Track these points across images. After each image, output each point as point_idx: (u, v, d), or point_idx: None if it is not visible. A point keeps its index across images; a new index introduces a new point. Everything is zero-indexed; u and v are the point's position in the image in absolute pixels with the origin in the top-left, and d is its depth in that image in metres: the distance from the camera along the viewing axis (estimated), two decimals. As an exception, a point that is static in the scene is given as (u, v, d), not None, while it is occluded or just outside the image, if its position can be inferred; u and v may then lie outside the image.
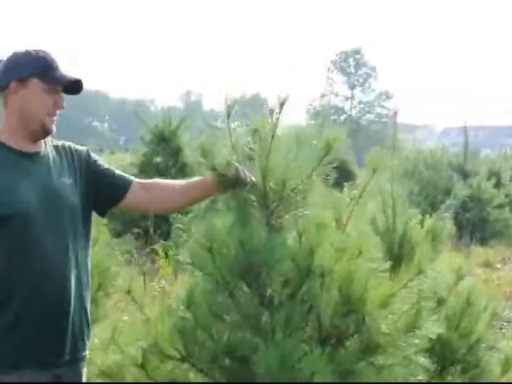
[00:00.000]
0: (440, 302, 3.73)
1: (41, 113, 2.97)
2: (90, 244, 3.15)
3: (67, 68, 3.04)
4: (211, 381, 2.96)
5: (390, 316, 2.87)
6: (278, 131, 3.06)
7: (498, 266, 12.19)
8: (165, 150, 12.49)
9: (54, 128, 3.02)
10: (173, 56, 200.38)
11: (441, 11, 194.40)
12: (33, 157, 2.99)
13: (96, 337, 3.16)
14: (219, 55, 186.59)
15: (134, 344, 3.01)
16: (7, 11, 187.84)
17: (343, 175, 15.78)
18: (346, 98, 78.71)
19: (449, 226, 4.37)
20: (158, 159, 12.41)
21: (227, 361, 2.94)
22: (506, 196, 17.43)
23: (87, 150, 3.19)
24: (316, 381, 2.66)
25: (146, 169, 12.14)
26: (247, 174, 3.07)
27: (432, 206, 12.86)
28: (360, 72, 79.08)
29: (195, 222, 3.27)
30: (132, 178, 3.25)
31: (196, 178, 3.26)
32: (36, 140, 3.01)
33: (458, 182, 17.38)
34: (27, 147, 2.99)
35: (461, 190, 16.64)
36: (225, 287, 2.95)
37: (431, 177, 17.74)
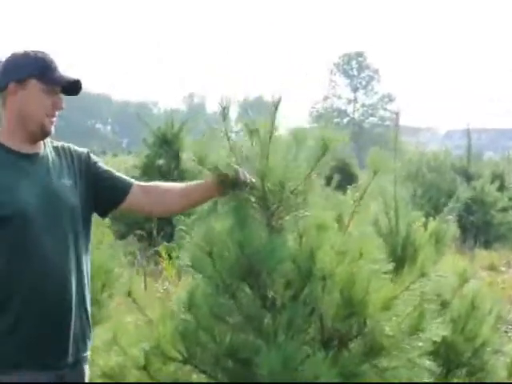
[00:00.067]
0: (444, 304, 3.73)
1: (39, 114, 2.95)
2: (90, 245, 3.13)
3: (67, 70, 3.03)
4: (215, 381, 2.95)
5: (394, 318, 2.86)
6: (277, 132, 3.06)
7: (503, 269, 12.15)
8: (167, 153, 12.48)
9: (52, 129, 3.01)
10: (173, 56, 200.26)
11: (442, 14, 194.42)
12: (32, 158, 2.98)
13: (99, 338, 3.15)
14: (219, 55, 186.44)
15: (136, 346, 3.00)
16: (6, 12, 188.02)
17: (346, 178, 15.75)
18: (349, 101, 78.73)
19: (453, 229, 4.37)
20: (161, 161, 12.40)
21: (230, 362, 2.94)
22: (510, 199, 17.39)
23: (87, 152, 3.18)
24: (325, 381, 2.64)
25: (149, 171, 12.14)
26: (246, 175, 3.06)
27: (435, 209, 12.83)
28: (363, 74, 79.11)
29: (197, 224, 3.26)
30: (132, 180, 3.24)
31: (196, 181, 3.26)
32: (35, 141, 3.00)
33: (462, 184, 17.36)
34: (26, 148, 2.98)
35: (464, 193, 16.61)
36: (225, 289, 2.94)
37: (434, 179, 17.72)
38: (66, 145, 3.15)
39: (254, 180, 3.06)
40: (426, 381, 3.01)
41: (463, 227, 14.13)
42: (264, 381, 2.70)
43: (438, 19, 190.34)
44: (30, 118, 2.95)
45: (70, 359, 2.94)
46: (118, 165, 18.82)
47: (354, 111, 78.38)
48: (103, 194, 3.14)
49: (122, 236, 10.72)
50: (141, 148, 13.90)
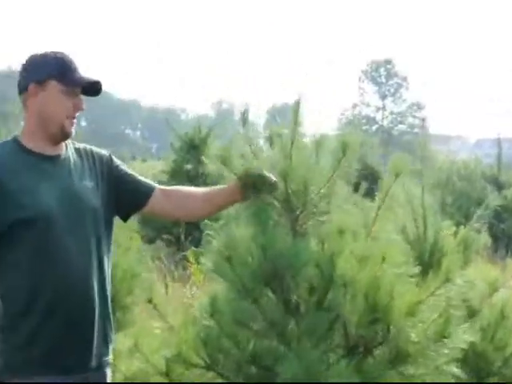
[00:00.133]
0: (474, 312, 3.69)
1: (60, 115, 2.94)
2: (112, 247, 3.12)
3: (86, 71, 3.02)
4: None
5: (420, 324, 2.81)
6: (300, 136, 3.05)
7: (535, 279, 11.97)
8: (195, 158, 12.50)
9: (73, 130, 2.99)
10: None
11: (473, 22, 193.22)
12: (53, 160, 2.97)
13: (122, 343, 3.13)
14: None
15: (158, 352, 2.99)
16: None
17: (375, 185, 15.64)
18: (378, 109, 78.38)
19: (484, 237, 4.33)
20: (189, 166, 12.42)
21: (253, 369, 2.90)
22: (542, 208, 17.17)
23: (109, 155, 3.17)
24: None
25: (177, 176, 12.15)
26: (271, 175, 3.04)
27: (466, 217, 12.69)
28: (391, 82, 78.70)
29: (221, 229, 3.24)
30: (155, 184, 3.22)
31: (219, 186, 3.24)
32: (56, 142, 2.99)
33: (492, 193, 17.19)
34: (48, 150, 2.97)
35: (493, 200, 16.44)
36: (248, 294, 2.91)
37: (465, 188, 17.57)
38: (87, 147, 3.14)
39: (276, 180, 3.03)
40: None
41: (494, 236, 13.97)
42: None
43: (469, 27, 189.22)
44: (50, 119, 2.94)
45: (93, 363, 2.92)
46: (147, 170, 18.88)
47: (382, 118, 78.03)
48: (125, 196, 3.12)
49: (150, 241, 10.74)
50: (169, 153, 13.93)
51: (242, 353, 2.88)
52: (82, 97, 3.02)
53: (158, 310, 3.11)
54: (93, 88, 3.04)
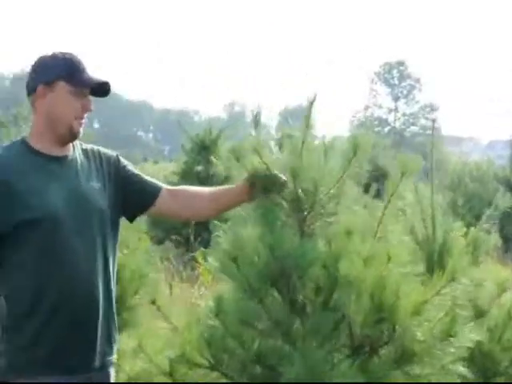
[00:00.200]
0: (482, 313, 3.67)
1: (68, 116, 2.94)
2: (118, 248, 3.11)
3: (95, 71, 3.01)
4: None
5: (426, 323, 2.79)
6: (311, 137, 3.04)
7: (545, 281, 11.90)
8: (205, 159, 12.52)
9: (81, 131, 2.99)
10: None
11: (486, 23, 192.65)
12: (61, 160, 2.97)
13: (126, 343, 3.12)
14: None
15: (161, 353, 2.98)
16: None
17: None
18: (390, 110, 78.18)
19: (494, 238, 4.31)
20: (199, 168, 12.44)
21: (257, 369, 2.89)
22: (554, 209, 17.07)
23: (117, 155, 3.16)
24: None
25: (187, 177, 12.16)
26: (280, 175, 3.03)
27: (477, 219, 12.67)
28: (404, 84, 78.47)
29: (229, 230, 3.23)
30: (161, 184, 3.21)
31: (227, 186, 3.22)
32: (64, 143, 2.98)
33: (505, 194, 17.12)
34: (55, 151, 2.96)
35: (502, 201, 16.37)
36: (254, 294, 2.89)
37: (477, 189, 17.52)
38: (95, 147, 3.13)
39: (286, 179, 3.02)
40: None
41: (505, 237, 13.94)
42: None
43: (481, 29, 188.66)
44: (58, 120, 2.93)
45: (97, 363, 2.91)
46: (158, 171, 18.94)
47: (394, 120, 77.83)
48: (132, 197, 3.11)
49: (159, 241, 10.76)
50: (180, 155, 13.96)
51: (246, 352, 2.87)
52: (91, 98, 3.01)
53: (161, 311, 3.10)
54: (101, 89, 3.03)
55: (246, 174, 3.08)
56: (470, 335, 2.81)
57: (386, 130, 75.72)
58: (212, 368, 2.93)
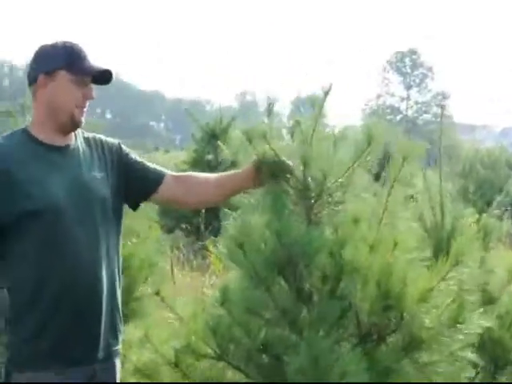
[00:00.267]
0: (492, 299, 3.63)
1: (69, 105, 2.91)
2: (121, 237, 3.09)
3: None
4: (248, 378, 2.88)
5: (434, 310, 2.75)
6: (321, 126, 3.01)
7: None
8: (215, 148, 12.50)
9: (83, 120, 2.97)
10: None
11: (499, 9, 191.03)
12: (63, 150, 2.94)
13: (133, 333, 3.11)
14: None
15: (167, 343, 2.96)
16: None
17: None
18: (402, 99, 77.84)
19: (506, 225, 4.28)
20: (210, 156, 12.42)
21: (264, 358, 2.87)
22: None
23: (119, 143, 3.14)
24: (353, 380, 2.55)
25: (198, 166, 12.14)
26: (287, 161, 3.00)
27: (488, 205, 12.62)
28: (416, 72, 78.08)
29: (240, 217, 3.20)
30: (165, 171, 3.18)
31: (231, 172, 3.19)
32: (65, 132, 2.96)
33: (515, 180, 17.03)
34: (57, 140, 2.94)
35: (512, 187, 16.29)
36: (261, 282, 2.86)
37: (488, 176, 17.42)
38: (97, 136, 3.11)
39: (292, 166, 2.99)
40: (469, 376, 2.90)
41: (517, 224, 13.86)
42: (295, 376, 2.62)
43: (493, 14, 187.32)
44: (59, 109, 2.91)
45: (101, 354, 2.89)
46: (169, 160, 18.91)
47: (407, 108, 77.49)
48: (134, 184, 3.09)
49: (169, 230, 10.75)
50: (191, 144, 13.94)
51: (252, 342, 2.84)
52: (94, 86, 2.99)
53: (165, 302, 3.07)
54: (103, 77, 3.00)
55: (253, 159, 3.05)
56: (478, 321, 2.77)
57: (398, 118, 75.43)
58: (218, 358, 2.91)
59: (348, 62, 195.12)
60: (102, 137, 3.12)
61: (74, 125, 2.96)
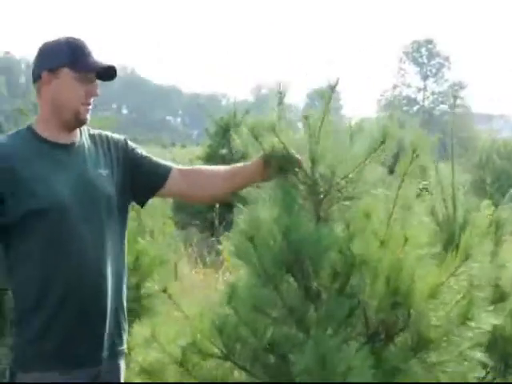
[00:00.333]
0: (504, 295, 3.56)
1: (74, 102, 2.89)
2: (126, 235, 3.06)
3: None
4: (254, 378, 2.84)
5: (442, 307, 2.69)
6: (331, 119, 2.96)
7: None
8: (230, 142, 12.45)
9: (88, 117, 2.95)
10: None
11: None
12: (68, 148, 2.93)
13: (139, 333, 3.07)
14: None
15: (174, 342, 2.92)
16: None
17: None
18: (419, 89, 77.41)
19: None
20: (224, 151, 12.38)
21: (270, 357, 2.82)
22: None
23: (124, 139, 3.12)
24: (359, 379, 2.51)
25: (212, 161, 12.11)
26: (296, 154, 2.95)
27: (505, 197, 12.47)
28: (433, 62, 77.62)
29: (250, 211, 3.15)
30: (172, 165, 3.16)
31: (240, 164, 3.15)
32: (70, 130, 2.94)
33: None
34: (62, 138, 2.92)
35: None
36: (269, 280, 2.82)
37: (505, 166, 17.28)
38: (102, 133, 3.09)
39: (301, 159, 2.94)
40: (479, 376, 2.83)
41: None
42: (301, 376, 2.58)
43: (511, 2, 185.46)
44: (64, 107, 2.89)
45: (106, 353, 2.88)
46: (185, 155, 18.94)
47: (423, 99, 77.05)
48: (141, 180, 3.06)
49: (183, 226, 10.73)
50: (205, 139, 13.92)
51: (259, 341, 2.79)
52: (99, 82, 2.97)
53: (172, 299, 3.03)
54: (107, 73, 2.98)
55: (262, 152, 3.01)
56: (489, 319, 2.70)
57: (415, 109, 75.02)
58: (224, 358, 2.86)
59: (364, 54, 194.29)
60: (108, 133, 3.10)
61: (79, 122, 2.94)
